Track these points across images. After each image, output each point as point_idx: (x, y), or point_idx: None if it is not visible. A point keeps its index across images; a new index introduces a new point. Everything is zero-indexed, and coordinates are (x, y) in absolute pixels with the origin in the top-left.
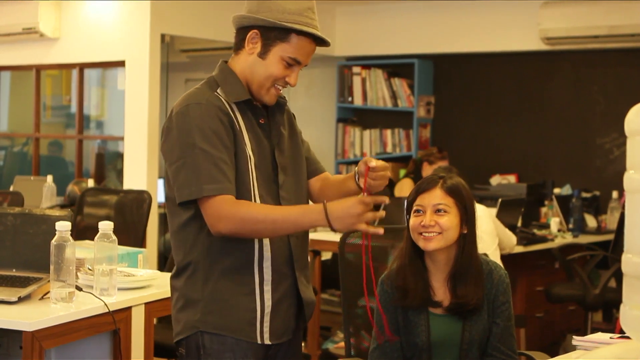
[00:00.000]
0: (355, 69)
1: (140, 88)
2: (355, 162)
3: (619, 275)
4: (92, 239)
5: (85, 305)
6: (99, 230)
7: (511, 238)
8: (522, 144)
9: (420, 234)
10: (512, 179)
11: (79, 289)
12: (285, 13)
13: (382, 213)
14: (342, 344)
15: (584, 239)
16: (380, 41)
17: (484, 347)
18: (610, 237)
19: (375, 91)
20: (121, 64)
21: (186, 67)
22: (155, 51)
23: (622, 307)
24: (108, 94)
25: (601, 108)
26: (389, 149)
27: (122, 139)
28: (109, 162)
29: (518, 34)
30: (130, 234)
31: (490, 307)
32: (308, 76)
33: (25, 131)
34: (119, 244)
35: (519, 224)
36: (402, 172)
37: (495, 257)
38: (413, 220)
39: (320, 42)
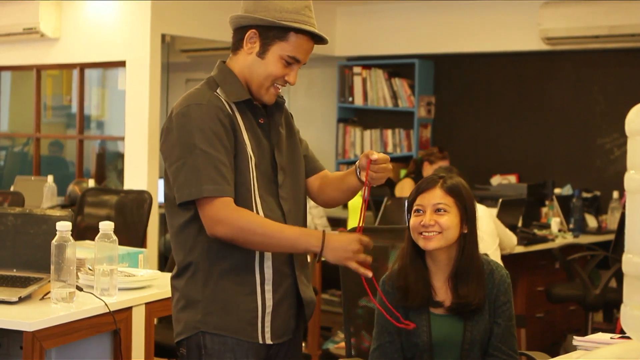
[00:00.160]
0: (356, 69)
1: (140, 88)
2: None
3: (619, 276)
4: (93, 239)
5: (86, 306)
6: (100, 230)
7: (512, 238)
8: (523, 144)
9: (421, 233)
10: (512, 179)
11: (79, 289)
12: (283, 12)
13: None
14: (343, 344)
15: (584, 239)
16: (380, 41)
17: (485, 347)
18: (611, 237)
19: (375, 91)
20: (122, 64)
21: (187, 67)
22: (155, 51)
23: (622, 307)
24: (108, 94)
25: (602, 108)
26: (390, 149)
27: (122, 139)
28: (110, 162)
29: (518, 34)
30: (131, 234)
31: (492, 307)
32: (308, 76)
33: (26, 131)
34: (120, 244)
35: (520, 224)
36: (403, 172)
37: (495, 257)
38: (413, 220)
39: (319, 40)
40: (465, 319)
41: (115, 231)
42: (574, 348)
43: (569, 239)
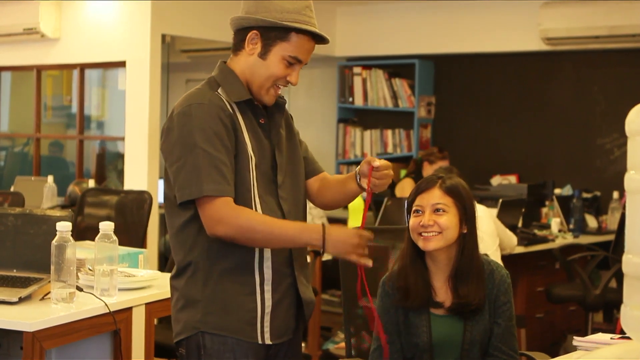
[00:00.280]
0: (356, 69)
1: (140, 88)
2: (356, 163)
3: (619, 276)
4: (93, 240)
5: (86, 306)
6: (100, 230)
7: (512, 238)
8: (523, 144)
9: (420, 234)
10: (512, 179)
11: (79, 289)
12: (284, 12)
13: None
14: (343, 344)
15: (584, 240)
16: (380, 41)
17: (485, 347)
18: (611, 237)
19: (375, 91)
20: (122, 64)
21: (187, 68)
22: (155, 51)
23: (622, 307)
24: (109, 94)
25: (602, 108)
26: (390, 149)
27: (122, 139)
28: (110, 163)
29: (518, 35)
30: (131, 234)
31: (492, 307)
32: (309, 76)
33: (26, 131)
34: (120, 244)
35: (520, 224)
36: (403, 172)
37: (495, 257)
38: (412, 221)
39: (320, 39)
40: (465, 319)
41: (115, 231)
42: (574, 348)
43: (569, 239)
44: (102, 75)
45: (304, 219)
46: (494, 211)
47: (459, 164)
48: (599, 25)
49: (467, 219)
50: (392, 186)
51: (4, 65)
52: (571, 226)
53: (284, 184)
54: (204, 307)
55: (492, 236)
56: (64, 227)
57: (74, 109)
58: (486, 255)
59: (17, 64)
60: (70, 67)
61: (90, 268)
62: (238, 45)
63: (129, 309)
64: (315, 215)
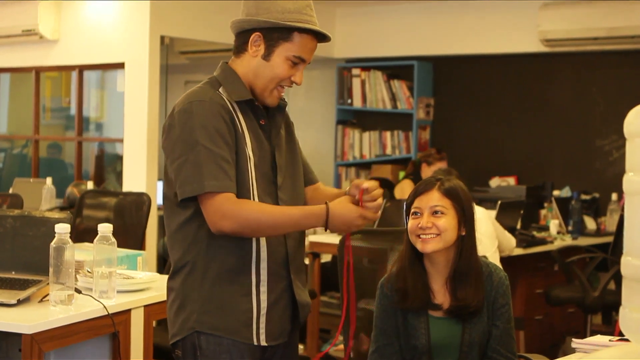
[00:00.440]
0: (355, 71)
1: (139, 90)
2: (355, 164)
3: (618, 278)
4: (92, 242)
5: (85, 308)
6: (98, 232)
7: (510, 240)
8: (522, 145)
9: (418, 236)
10: (511, 181)
11: (78, 291)
12: (285, 12)
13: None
14: (342, 346)
15: (583, 241)
16: (379, 43)
17: (483, 349)
18: (610, 239)
19: (374, 93)
20: (121, 65)
21: (186, 69)
22: (154, 53)
23: (621, 309)
24: (107, 96)
25: (600, 110)
26: (389, 150)
27: (121, 141)
28: (109, 164)
29: (517, 36)
30: (130, 236)
31: (490, 309)
32: (308, 78)
33: (25, 133)
34: (118, 246)
35: (519, 226)
36: (402, 174)
37: (494, 259)
38: (411, 223)
39: (322, 38)
40: (464, 321)
41: (114, 233)
42: (573, 350)
43: (568, 241)
44: (101, 77)
45: None
46: (493, 213)
47: (457, 166)
48: (598, 26)
49: (466, 221)
50: (391, 188)
51: (2, 66)
52: (570, 228)
53: (284, 186)
54: (200, 307)
55: (491, 238)
56: (62, 229)
57: (73, 110)
58: (485, 257)
59: (16, 66)
60: (69, 68)
61: (89, 270)
62: (240, 47)
63: (128, 311)
64: None
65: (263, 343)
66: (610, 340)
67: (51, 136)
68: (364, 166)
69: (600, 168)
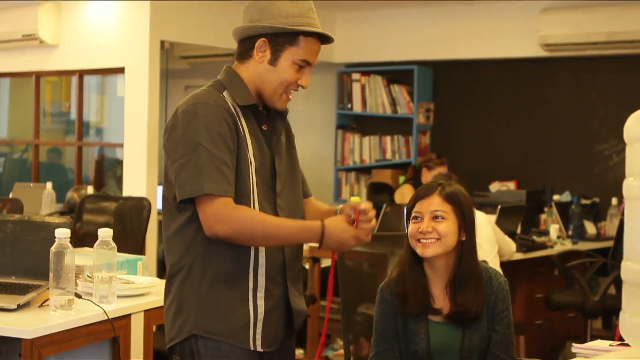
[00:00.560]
0: (355, 76)
1: (139, 95)
2: (355, 169)
3: (618, 282)
4: (92, 246)
5: (85, 313)
6: (98, 237)
7: (510, 245)
8: (522, 150)
9: (418, 240)
10: (511, 185)
11: (78, 296)
12: (289, 17)
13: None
14: (342, 351)
15: (583, 246)
16: (379, 48)
17: (483, 354)
18: (610, 243)
19: (374, 98)
20: (121, 70)
21: (186, 74)
22: (154, 58)
23: (621, 314)
24: (107, 101)
25: (600, 114)
26: (389, 155)
27: (121, 145)
28: (109, 169)
29: (517, 41)
30: (130, 241)
31: (490, 314)
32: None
33: (25, 138)
34: (118, 251)
35: (519, 230)
36: (402, 178)
37: (494, 264)
38: (411, 227)
39: (325, 39)
40: (464, 326)
41: (114, 238)
42: (573, 355)
43: (568, 245)
44: (101, 82)
45: None
46: (493, 217)
47: (457, 171)
48: (598, 31)
49: (466, 227)
50: (391, 192)
51: (2, 71)
52: (570, 232)
53: (283, 193)
54: (197, 310)
55: (491, 243)
56: (62, 234)
57: (73, 115)
58: (485, 262)
59: (16, 70)
60: (69, 73)
61: (89, 275)
62: (245, 53)
63: (128, 316)
64: None
65: (259, 349)
66: (610, 345)
67: (51, 141)
68: (364, 171)
69: (600, 173)
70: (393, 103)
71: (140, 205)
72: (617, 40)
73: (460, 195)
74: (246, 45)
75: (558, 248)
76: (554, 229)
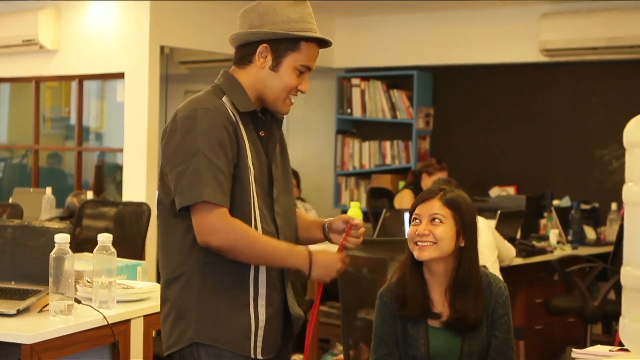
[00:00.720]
0: (355, 81)
1: (139, 100)
2: (355, 174)
3: (618, 287)
4: (91, 251)
5: (84, 318)
6: (98, 242)
7: (510, 250)
8: (522, 155)
9: (415, 243)
10: (511, 190)
11: (77, 301)
12: (291, 22)
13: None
14: (342, 356)
15: (583, 251)
16: (379, 53)
17: (483, 359)
18: (610, 248)
19: (374, 103)
20: (120, 75)
21: (186, 79)
22: (154, 63)
23: (621, 320)
24: (107, 106)
25: (600, 119)
26: (388, 160)
27: (121, 150)
28: (108, 174)
29: (517, 46)
30: (129, 246)
31: (489, 320)
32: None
33: (25, 143)
34: (118, 256)
35: (518, 235)
36: (402, 184)
37: (494, 269)
38: (410, 230)
39: (324, 44)
40: (463, 333)
41: (114, 243)
42: None
43: (568, 250)
44: (101, 87)
45: (295, 235)
46: (493, 222)
47: (457, 176)
48: (598, 36)
49: (466, 233)
50: (391, 197)
51: (2, 76)
52: (570, 237)
53: (279, 199)
54: (198, 318)
55: (491, 248)
56: (62, 239)
57: (73, 120)
58: (484, 267)
59: (16, 76)
60: (69, 78)
61: (89, 280)
62: (244, 59)
63: (128, 321)
64: None
65: (259, 357)
66: (610, 350)
67: (51, 146)
68: (363, 176)
69: (599, 178)
70: (393, 108)
71: (140, 211)
72: (617, 45)
73: (462, 202)
74: (246, 50)
75: (558, 253)
76: (554, 234)
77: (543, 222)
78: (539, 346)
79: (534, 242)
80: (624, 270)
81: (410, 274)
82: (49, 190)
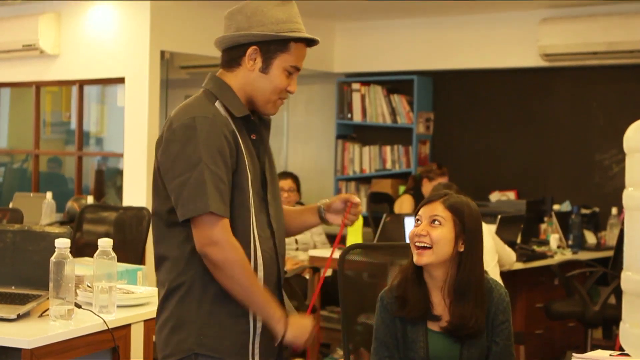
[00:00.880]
0: (355, 86)
1: (139, 105)
2: (355, 179)
3: (618, 292)
4: (92, 256)
5: (85, 323)
6: (98, 247)
7: (510, 255)
8: (522, 160)
9: (415, 245)
10: (511, 195)
11: (78, 306)
12: (279, 23)
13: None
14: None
15: (583, 256)
16: (379, 58)
17: None
18: (610, 253)
19: (374, 107)
20: (121, 80)
21: (186, 84)
22: (154, 68)
23: (621, 324)
24: (108, 111)
25: (600, 124)
26: (388, 165)
27: (121, 155)
28: (109, 179)
29: (517, 51)
30: (130, 251)
31: (490, 325)
32: (307, 92)
33: (25, 148)
34: (118, 261)
35: (519, 240)
36: (402, 188)
37: (494, 274)
38: (411, 230)
39: (312, 43)
40: (462, 340)
41: (114, 248)
42: None
43: (568, 255)
44: (101, 92)
45: (284, 238)
46: (493, 227)
47: (457, 180)
48: (598, 41)
49: (466, 238)
50: (391, 202)
51: (3, 81)
52: (570, 242)
53: (271, 202)
54: (199, 328)
55: (491, 252)
56: (62, 244)
57: (73, 125)
58: (485, 272)
59: (16, 80)
60: (69, 83)
61: (89, 285)
62: (233, 62)
63: (128, 326)
64: (314, 232)
65: None
66: (610, 355)
67: (51, 150)
68: (363, 180)
69: (600, 182)
70: (393, 113)
71: (140, 215)
72: (617, 50)
73: (465, 207)
74: (234, 53)
75: (558, 258)
76: (554, 239)
77: (543, 226)
78: (539, 351)
79: (534, 247)
80: (625, 275)
81: (411, 277)
82: (49, 195)
